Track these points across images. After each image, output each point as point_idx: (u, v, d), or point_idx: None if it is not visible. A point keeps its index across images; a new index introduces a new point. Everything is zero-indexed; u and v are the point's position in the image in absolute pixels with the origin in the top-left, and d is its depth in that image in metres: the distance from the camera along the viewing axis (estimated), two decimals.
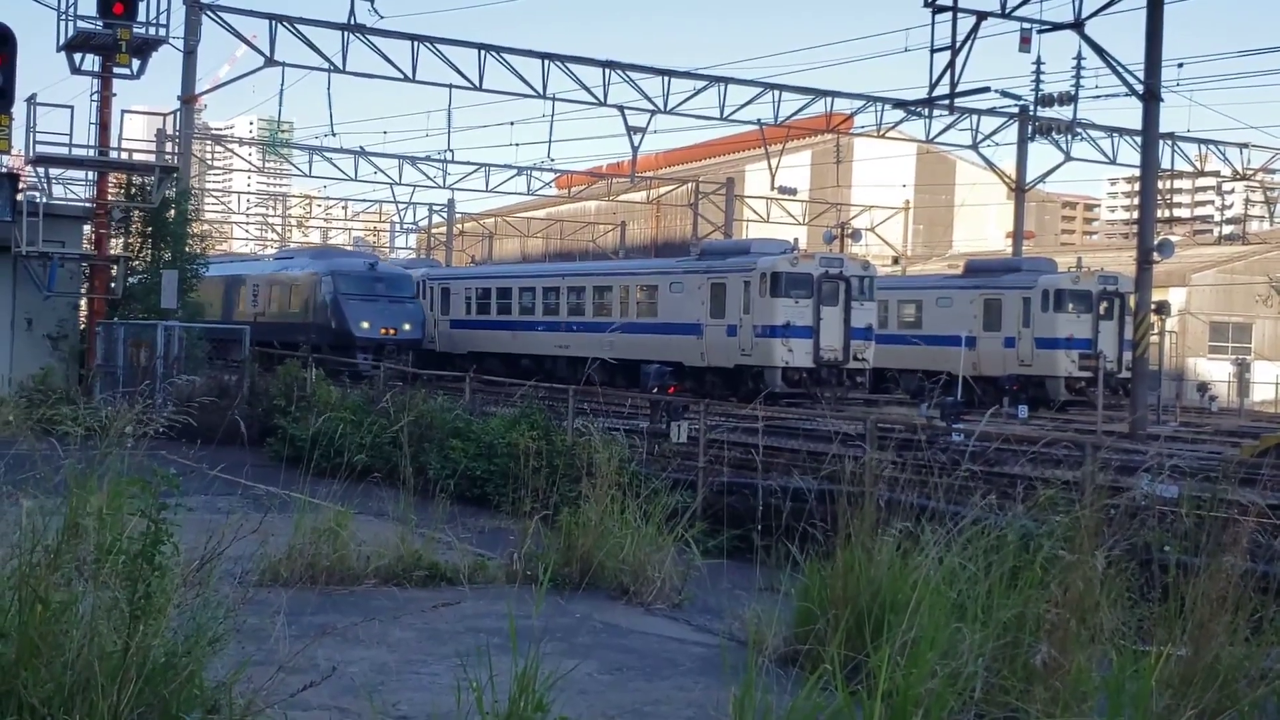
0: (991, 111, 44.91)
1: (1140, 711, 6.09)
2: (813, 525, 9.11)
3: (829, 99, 44.48)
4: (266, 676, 6.22)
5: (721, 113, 42.71)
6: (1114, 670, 6.37)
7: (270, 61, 35.95)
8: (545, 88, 39.90)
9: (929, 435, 13.50)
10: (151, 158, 33.30)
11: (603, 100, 40.76)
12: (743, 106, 43.08)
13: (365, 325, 40.45)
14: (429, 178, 58.39)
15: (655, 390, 30.28)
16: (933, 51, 31.43)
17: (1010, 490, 11.05)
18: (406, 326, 41.20)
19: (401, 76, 37.72)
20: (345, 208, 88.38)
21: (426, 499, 13.44)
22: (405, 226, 78.93)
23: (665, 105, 41.80)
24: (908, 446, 12.73)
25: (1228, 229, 75.65)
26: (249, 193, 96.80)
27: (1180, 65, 55.55)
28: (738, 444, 15.37)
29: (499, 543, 12.44)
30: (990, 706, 6.55)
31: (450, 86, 39.62)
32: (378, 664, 8.09)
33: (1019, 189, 46.58)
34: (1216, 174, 53.27)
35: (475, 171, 57.98)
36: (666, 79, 41.48)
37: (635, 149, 46.13)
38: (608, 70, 40.44)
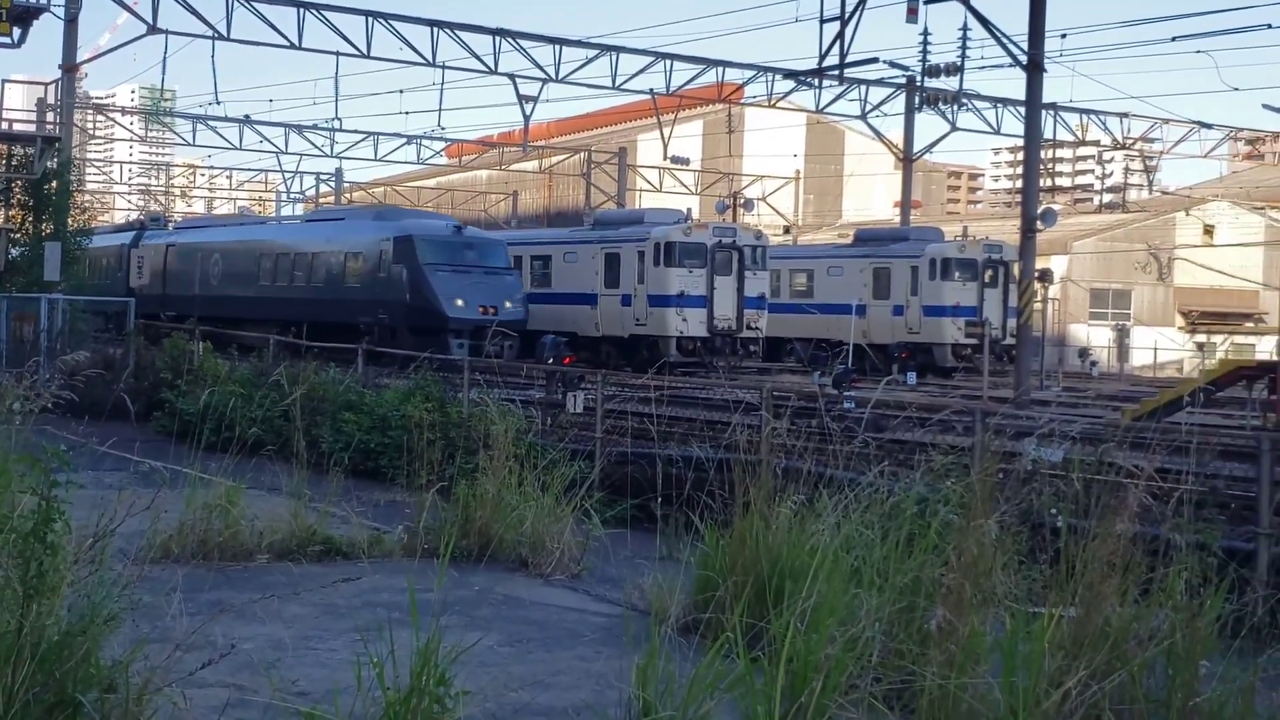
0: (880, 82, 45.31)
1: (1033, 673, 6.21)
2: (711, 494, 9.17)
3: (720, 69, 44.55)
4: (163, 655, 6.12)
5: (613, 82, 42.61)
6: (1007, 633, 6.48)
7: (153, 29, 35.03)
8: (435, 56, 39.43)
9: (824, 403, 13.62)
10: (33, 128, 32.55)
11: (493, 69, 40.40)
12: (635, 76, 43.00)
13: (460, 303, 32.54)
14: (316, 146, 57.56)
15: (551, 361, 30.19)
16: (822, 22, 31.69)
17: (904, 457, 11.20)
18: (508, 304, 33.43)
19: (287, 44, 37.02)
20: (230, 177, 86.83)
21: (320, 473, 13.29)
22: (292, 196, 77.83)
23: (557, 74, 41.55)
24: (803, 414, 12.87)
25: (1108, 197, 77.23)
26: (131, 163, 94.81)
27: (1064, 36, 56.77)
28: (635, 414, 15.39)
29: (395, 516, 12.34)
30: (887, 670, 6.65)
31: (337, 54, 38.95)
32: (275, 641, 7.99)
33: (906, 159, 47.09)
34: (1097, 143, 54.36)
35: (364, 140, 57.28)
36: (558, 47, 41.23)
37: (527, 118, 45.82)
38: (498, 38, 40.09)
